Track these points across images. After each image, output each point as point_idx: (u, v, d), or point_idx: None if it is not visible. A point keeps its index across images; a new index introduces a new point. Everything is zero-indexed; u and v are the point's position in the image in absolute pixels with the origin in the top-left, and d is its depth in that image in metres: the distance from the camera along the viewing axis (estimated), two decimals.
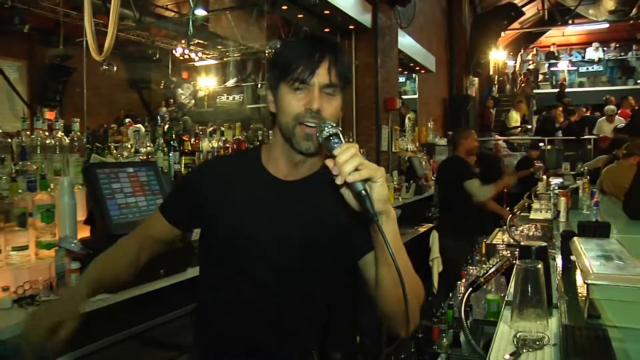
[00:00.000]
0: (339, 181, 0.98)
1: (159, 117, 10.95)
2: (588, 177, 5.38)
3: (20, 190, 2.04)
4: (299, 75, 1.13)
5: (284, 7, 4.59)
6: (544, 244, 1.42)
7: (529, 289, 1.27)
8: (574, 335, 1.15)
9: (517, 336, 1.19)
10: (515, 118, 11.06)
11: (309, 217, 1.21)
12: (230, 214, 1.23)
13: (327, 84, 1.14)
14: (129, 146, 2.65)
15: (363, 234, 1.11)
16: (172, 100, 13.50)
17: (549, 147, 9.28)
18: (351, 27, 5.39)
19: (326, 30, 5.52)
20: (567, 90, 13.24)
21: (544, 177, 5.65)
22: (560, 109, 11.15)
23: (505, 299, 1.53)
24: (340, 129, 1.05)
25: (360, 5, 5.20)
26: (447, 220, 4.55)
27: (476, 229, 4.73)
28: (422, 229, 5.01)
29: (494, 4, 11.51)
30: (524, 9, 11.84)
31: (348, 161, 0.96)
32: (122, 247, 1.38)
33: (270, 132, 4.06)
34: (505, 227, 4.46)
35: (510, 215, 4.37)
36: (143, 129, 7.01)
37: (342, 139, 1.03)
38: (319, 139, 1.05)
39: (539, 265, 1.25)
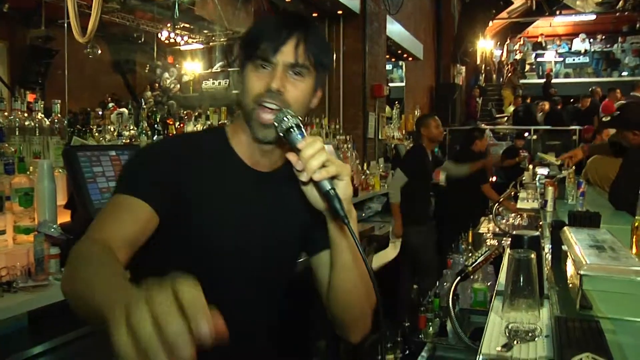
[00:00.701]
0: (303, 178, 0.90)
1: (142, 101, 10.80)
2: (574, 167, 5.43)
3: None
4: (262, 52, 1.02)
5: None
6: (537, 233, 1.40)
7: (521, 280, 1.25)
8: (567, 327, 1.13)
9: (509, 327, 1.17)
10: None
11: (281, 210, 1.14)
12: (203, 202, 1.07)
13: (292, 63, 1.02)
14: (112, 129, 2.58)
15: (321, 230, 1.04)
16: (157, 85, 13.34)
17: (534, 136, 9.32)
18: (339, 12, 5.33)
19: (314, 14, 5.44)
20: (553, 81, 13.30)
21: (530, 166, 5.68)
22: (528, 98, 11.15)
23: (496, 288, 1.52)
24: (300, 118, 0.97)
25: None
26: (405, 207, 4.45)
27: (432, 213, 4.89)
28: None
29: None
30: None
31: (314, 156, 0.88)
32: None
33: None
34: (491, 215, 4.48)
35: (496, 204, 4.39)
36: (127, 113, 6.89)
37: (303, 130, 0.94)
38: (277, 129, 0.95)
39: (532, 255, 1.23)
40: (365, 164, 5.40)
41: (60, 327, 1.78)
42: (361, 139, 5.67)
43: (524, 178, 5.20)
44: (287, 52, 1.02)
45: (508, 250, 1.26)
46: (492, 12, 10.57)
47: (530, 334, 1.13)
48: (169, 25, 11.38)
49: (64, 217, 2.11)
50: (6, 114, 2.25)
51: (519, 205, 3.54)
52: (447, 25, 10.20)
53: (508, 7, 11.46)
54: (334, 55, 5.59)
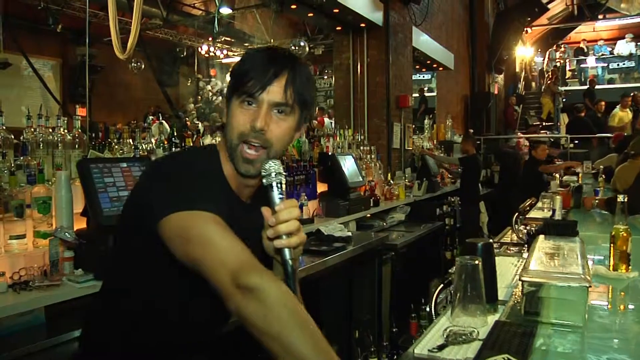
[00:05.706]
0: (270, 234, 0.96)
1: (181, 113, 11.23)
2: (603, 176, 5.31)
3: (22, 184, 2.18)
4: (249, 88, 1.05)
5: (293, 7, 4.65)
6: (490, 241, 1.45)
7: (468, 285, 1.32)
8: (501, 331, 1.20)
9: (448, 330, 1.24)
10: (620, 117, 9.85)
11: (251, 239, 1.06)
12: None
13: (277, 102, 1.06)
14: (130, 142, 2.77)
15: None
16: (199, 97, 13.82)
17: (571, 145, 9.05)
18: (362, 25, 5.41)
19: (338, 28, 5.56)
20: (597, 87, 12.80)
21: (557, 175, 5.60)
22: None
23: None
24: (285, 173, 1.03)
25: (371, 4, 5.21)
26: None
27: None
28: (431, 227, 4.97)
29: None
30: (551, 5, 11.57)
31: (287, 223, 0.95)
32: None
33: None
34: (515, 226, 4.45)
35: (517, 214, 4.35)
36: (167, 126, 7.21)
37: (284, 188, 1.00)
38: (262, 181, 1.01)
39: (477, 262, 1.30)
40: (389, 174, 5.46)
41: (74, 323, 1.95)
42: (385, 150, 5.72)
43: (550, 188, 5.14)
44: (274, 91, 1.05)
45: (457, 258, 1.32)
46: (527, 19, 10.34)
47: (464, 337, 1.20)
48: (210, 39, 11.83)
49: (82, 223, 2.30)
50: (32, 129, 2.46)
51: (532, 214, 3.52)
52: (481, 34, 10.06)
53: (543, 14, 11.16)
54: (359, 67, 5.69)
